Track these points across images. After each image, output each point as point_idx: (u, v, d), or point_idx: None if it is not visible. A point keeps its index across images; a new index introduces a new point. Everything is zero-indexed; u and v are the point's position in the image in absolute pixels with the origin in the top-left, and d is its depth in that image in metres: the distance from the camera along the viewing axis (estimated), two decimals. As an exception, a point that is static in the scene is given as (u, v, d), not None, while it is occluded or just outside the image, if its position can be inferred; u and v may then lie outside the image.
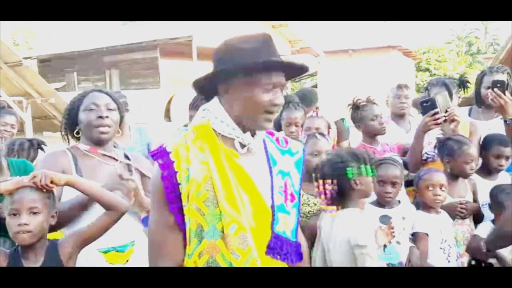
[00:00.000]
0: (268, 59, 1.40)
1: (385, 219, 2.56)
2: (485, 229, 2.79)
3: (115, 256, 2.10)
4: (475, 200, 2.94)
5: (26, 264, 1.84)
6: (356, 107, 3.27)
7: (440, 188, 2.68)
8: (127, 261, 2.13)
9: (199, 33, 15.00)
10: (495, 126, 3.21)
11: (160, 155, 1.43)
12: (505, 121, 3.06)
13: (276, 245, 1.44)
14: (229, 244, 1.37)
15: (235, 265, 1.37)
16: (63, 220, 1.99)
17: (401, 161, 2.87)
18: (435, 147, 3.00)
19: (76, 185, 1.94)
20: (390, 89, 3.83)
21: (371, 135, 3.23)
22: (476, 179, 2.99)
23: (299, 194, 1.57)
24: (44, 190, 1.85)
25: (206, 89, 1.51)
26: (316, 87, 22.52)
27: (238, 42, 1.43)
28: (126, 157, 2.31)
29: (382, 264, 2.50)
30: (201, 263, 1.39)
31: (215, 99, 1.48)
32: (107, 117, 2.18)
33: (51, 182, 1.86)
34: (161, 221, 1.44)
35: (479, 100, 3.28)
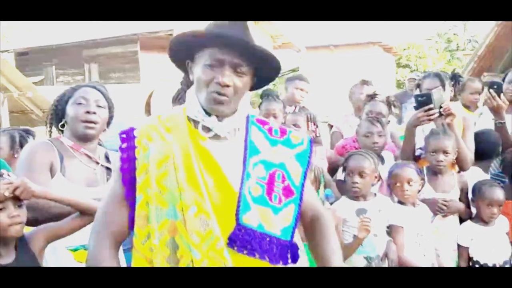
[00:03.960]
0: (210, 31, 1.38)
1: (361, 212, 2.59)
2: (462, 233, 2.85)
3: (84, 254, 2.07)
4: (465, 197, 2.95)
5: (1, 261, 1.80)
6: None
7: (408, 183, 2.70)
8: None
9: (180, 26, 14.88)
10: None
11: (125, 131, 1.44)
12: (495, 123, 3.11)
13: (239, 237, 1.35)
14: (188, 226, 1.32)
15: (193, 248, 1.32)
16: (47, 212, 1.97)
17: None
18: None
19: (56, 200, 1.91)
20: (354, 85, 3.86)
21: None
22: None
23: (301, 189, 1.47)
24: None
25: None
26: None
27: (212, 25, 1.42)
28: (107, 158, 2.27)
29: (360, 257, 2.54)
30: (162, 244, 1.35)
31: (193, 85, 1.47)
32: (94, 113, 2.13)
33: (32, 196, 1.82)
34: (112, 192, 1.44)
35: None
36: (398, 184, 2.73)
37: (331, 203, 2.75)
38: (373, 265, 2.54)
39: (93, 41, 16.32)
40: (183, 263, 1.35)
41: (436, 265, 2.73)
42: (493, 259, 2.79)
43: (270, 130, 1.51)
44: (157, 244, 1.35)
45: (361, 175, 2.61)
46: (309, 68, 21.23)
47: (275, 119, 3.34)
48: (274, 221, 1.39)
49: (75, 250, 2.06)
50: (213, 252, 1.32)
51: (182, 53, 1.45)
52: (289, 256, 1.43)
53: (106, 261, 1.40)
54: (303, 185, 1.48)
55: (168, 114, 1.47)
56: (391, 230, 2.69)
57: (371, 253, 2.54)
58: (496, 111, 3.02)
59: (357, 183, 2.61)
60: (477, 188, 2.87)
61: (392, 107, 3.47)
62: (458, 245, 2.86)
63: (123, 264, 1.91)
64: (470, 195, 2.93)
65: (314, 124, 3.44)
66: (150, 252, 1.36)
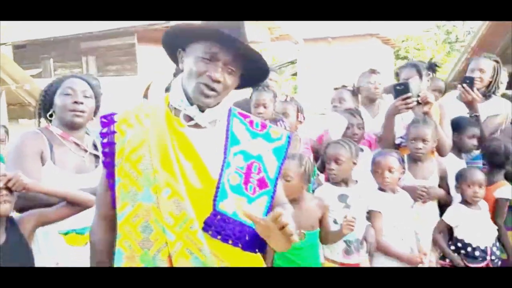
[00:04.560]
0: (209, 25, 1.42)
1: (343, 198, 2.69)
2: (451, 213, 2.95)
3: (75, 238, 2.15)
4: (446, 183, 3.06)
5: None
6: None
7: (389, 171, 2.78)
8: (86, 243, 2.19)
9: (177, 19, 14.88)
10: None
11: (105, 116, 1.49)
12: (470, 116, 3.21)
13: (214, 222, 1.37)
14: (162, 208, 1.35)
15: (167, 229, 1.35)
16: (39, 201, 2.04)
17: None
18: None
19: (47, 192, 2.00)
20: (362, 74, 3.94)
21: None
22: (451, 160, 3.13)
23: (275, 183, 1.50)
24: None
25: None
26: (296, 75, 22.61)
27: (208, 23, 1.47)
28: (95, 146, 2.35)
29: (340, 240, 2.63)
30: (134, 227, 1.39)
31: (181, 74, 1.50)
32: (82, 103, 2.21)
33: (23, 189, 1.91)
34: (101, 177, 1.52)
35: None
36: (379, 171, 2.82)
37: (313, 190, 2.83)
38: (352, 248, 2.64)
39: (91, 33, 16.35)
40: (156, 247, 1.37)
41: (415, 250, 2.82)
42: (477, 241, 2.91)
43: (251, 123, 1.55)
44: (130, 228, 1.41)
45: (337, 162, 2.69)
46: (307, 60, 21.30)
47: (265, 109, 3.42)
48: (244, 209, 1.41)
49: (66, 233, 2.14)
50: (188, 234, 1.35)
51: (175, 41, 1.47)
52: (257, 243, 1.45)
53: (100, 243, 1.51)
54: (277, 178, 1.51)
55: (150, 102, 1.55)
56: (370, 215, 2.79)
57: (351, 237, 2.63)
58: (470, 104, 3.11)
59: (333, 169, 2.70)
60: (458, 174, 3.02)
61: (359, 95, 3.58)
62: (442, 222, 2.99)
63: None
64: (454, 183, 3.03)
65: (303, 115, 3.53)
66: (123, 231, 1.42)
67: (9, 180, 1.87)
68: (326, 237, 2.58)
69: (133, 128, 1.44)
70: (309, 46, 20.89)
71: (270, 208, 1.46)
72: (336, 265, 2.65)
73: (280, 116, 3.02)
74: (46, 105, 2.30)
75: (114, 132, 1.45)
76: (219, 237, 1.37)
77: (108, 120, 1.48)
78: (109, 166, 1.45)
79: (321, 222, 2.58)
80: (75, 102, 2.20)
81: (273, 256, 2.53)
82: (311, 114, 3.26)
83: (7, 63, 10.25)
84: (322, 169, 2.96)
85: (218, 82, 1.39)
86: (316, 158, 3.26)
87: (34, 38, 17.68)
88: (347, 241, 2.63)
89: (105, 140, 1.47)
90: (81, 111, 2.21)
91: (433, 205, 3.02)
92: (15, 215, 2.05)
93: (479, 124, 3.18)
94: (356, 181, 2.82)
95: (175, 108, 1.46)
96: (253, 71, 1.49)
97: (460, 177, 2.99)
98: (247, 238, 1.41)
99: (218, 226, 1.37)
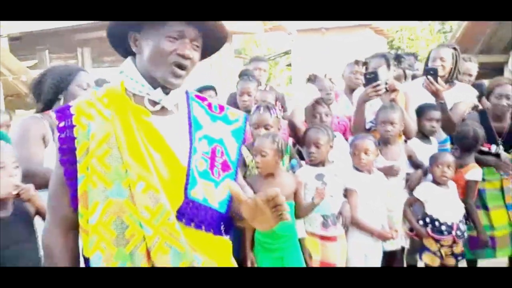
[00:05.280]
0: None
1: (319, 177, 2.93)
2: (421, 189, 3.23)
3: None
4: (416, 163, 3.35)
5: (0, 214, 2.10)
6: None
7: (365, 153, 3.03)
8: None
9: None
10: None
11: (60, 109, 1.40)
12: (437, 104, 3.46)
13: (187, 210, 1.35)
14: (137, 202, 1.30)
15: (144, 224, 1.30)
16: (41, 182, 2.14)
17: None
18: None
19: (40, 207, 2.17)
20: (347, 64, 4.17)
21: None
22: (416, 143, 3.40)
23: (236, 164, 1.50)
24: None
25: (121, 45, 1.46)
26: (290, 66, 22.76)
27: None
28: None
29: (318, 215, 2.89)
30: (107, 226, 1.32)
31: (128, 58, 1.45)
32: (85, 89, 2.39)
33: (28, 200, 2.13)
34: (54, 176, 1.41)
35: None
36: (356, 153, 3.07)
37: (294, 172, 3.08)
38: (329, 221, 2.90)
39: (86, 25, 16.44)
40: (133, 243, 1.32)
41: (385, 226, 3.09)
42: (444, 217, 3.16)
43: (209, 106, 1.53)
44: (102, 228, 1.33)
45: (316, 145, 2.94)
46: (301, 51, 21.45)
47: (249, 97, 3.65)
48: (214, 195, 1.41)
49: None
50: (166, 227, 1.31)
51: (124, 27, 1.40)
52: (222, 227, 1.45)
53: (57, 247, 1.40)
54: (238, 160, 1.51)
55: (104, 90, 1.42)
56: (346, 193, 3.04)
57: (327, 211, 2.90)
58: (435, 93, 3.37)
59: (313, 152, 2.95)
60: (431, 156, 3.30)
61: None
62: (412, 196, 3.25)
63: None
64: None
65: (281, 104, 3.76)
66: (98, 233, 1.33)
67: (21, 190, 2.10)
68: (300, 210, 2.83)
69: (94, 120, 1.35)
70: (303, 37, 21.04)
71: None
72: (316, 238, 2.91)
73: (272, 104, 3.22)
74: (36, 91, 2.46)
75: (73, 126, 1.35)
76: (192, 224, 1.36)
77: (64, 114, 1.38)
78: (67, 163, 1.35)
79: (296, 196, 2.83)
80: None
81: (252, 234, 2.79)
82: (305, 104, 3.45)
83: (3, 55, 10.37)
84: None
85: (189, 58, 1.36)
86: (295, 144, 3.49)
87: (29, 30, 17.74)
88: (324, 215, 2.89)
89: (62, 135, 1.36)
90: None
91: (402, 184, 3.29)
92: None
93: (444, 109, 3.42)
94: (332, 161, 3.06)
95: (134, 94, 1.40)
96: (212, 40, 1.46)
97: (431, 159, 3.27)
98: (216, 222, 1.41)
99: (191, 213, 1.36)
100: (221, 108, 1.55)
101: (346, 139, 3.45)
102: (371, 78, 3.15)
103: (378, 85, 3.11)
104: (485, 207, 3.48)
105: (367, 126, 3.36)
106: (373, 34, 22.82)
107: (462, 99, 3.62)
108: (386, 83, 3.16)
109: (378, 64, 3.36)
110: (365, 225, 3.01)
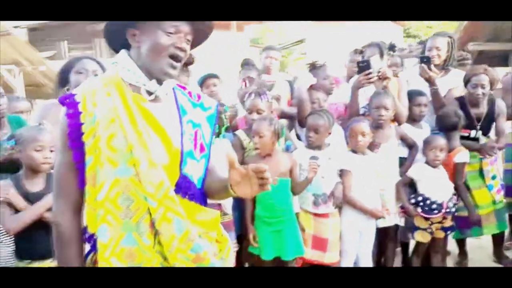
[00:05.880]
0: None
1: (314, 159, 3.10)
2: (414, 169, 3.40)
3: None
4: (408, 142, 3.52)
5: (28, 185, 2.37)
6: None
7: (363, 135, 3.20)
8: None
9: None
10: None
11: (66, 96, 1.51)
12: (430, 90, 3.60)
13: (183, 184, 1.54)
14: (142, 179, 1.45)
15: (149, 198, 1.46)
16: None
17: None
18: None
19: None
20: (348, 53, 4.32)
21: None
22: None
23: (209, 147, 1.67)
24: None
25: (117, 40, 1.59)
26: (305, 54, 22.74)
27: None
28: None
29: (309, 194, 3.07)
30: (114, 201, 1.46)
31: (122, 51, 1.57)
32: None
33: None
34: (62, 160, 1.51)
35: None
36: (353, 135, 3.23)
37: (291, 152, 3.25)
38: (320, 200, 3.08)
39: (103, 16, 16.68)
40: (138, 216, 1.47)
41: (378, 205, 3.25)
42: (435, 196, 3.32)
43: (190, 94, 1.69)
44: (110, 203, 1.46)
45: (315, 131, 3.12)
46: (316, 40, 21.40)
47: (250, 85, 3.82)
48: (196, 172, 1.60)
49: None
50: (168, 200, 1.48)
51: (122, 25, 1.53)
52: (205, 199, 1.66)
53: (66, 225, 1.52)
54: (211, 143, 1.69)
55: (105, 79, 1.55)
56: (342, 174, 3.21)
57: (318, 191, 3.09)
58: (429, 80, 3.50)
59: (311, 137, 3.14)
60: (425, 140, 3.45)
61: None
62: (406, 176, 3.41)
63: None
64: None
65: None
66: (104, 207, 1.47)
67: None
68: (295, 186, 3.02)
69: (99, 107, 1.48)
70: (319, 26, 20.98)
71: (207, 169, 1.65)
72: (309, 215, 3.11)
73: (264, 90, 3.40)
74: (62, 80, 2.70)
75: (80, 113, 1.47)
76: (186, 196, 1.54)
77: (71, 102, 1.49)
78: (76, 147, 1.47)
79: (291, 174, 3.02)
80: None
81: (252, 210, 2.98)
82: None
83: (23, 46, 10.65)
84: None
85: (184, 51, 1.53)
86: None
87: (48, 21, 18.06)
88: (315, 194, 3.09)
89: (70, 121, 1.48)
90: None
91: (396, 165, 3.46)
92: None
93: (438, 95, 3.56)
94: (329, 144, 3.23)
95: (130, 84, 1.53)
96: (199, 36, 1.62)
97: (425, 143, 3.43)
98: (201, 194, 1.62)
99: (186, 187, 1.54)
100: (199, 96, 1.71)
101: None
102: (363, 66, 3.31)
103: (370, 73, 3.27)
104: (467, 188, 3.61)
105: (361, 111, 3.52)
106: (390, 22, 22.59)
107: (456, 85, 3.74)
108: (379, 71, 3.31)
109: (372, 53, 3.52)
110: (359, 204, 3.19)
